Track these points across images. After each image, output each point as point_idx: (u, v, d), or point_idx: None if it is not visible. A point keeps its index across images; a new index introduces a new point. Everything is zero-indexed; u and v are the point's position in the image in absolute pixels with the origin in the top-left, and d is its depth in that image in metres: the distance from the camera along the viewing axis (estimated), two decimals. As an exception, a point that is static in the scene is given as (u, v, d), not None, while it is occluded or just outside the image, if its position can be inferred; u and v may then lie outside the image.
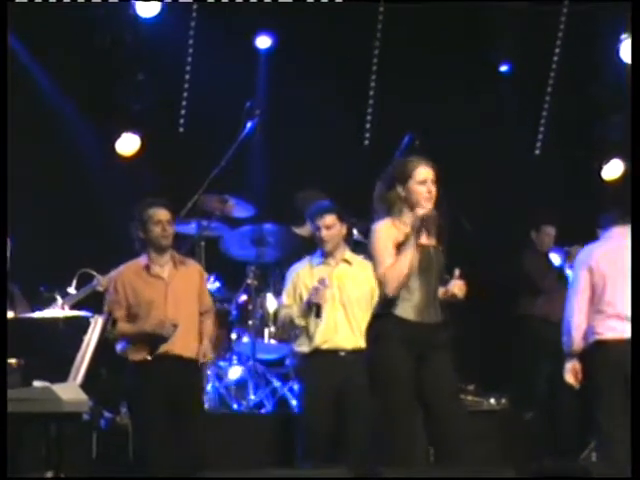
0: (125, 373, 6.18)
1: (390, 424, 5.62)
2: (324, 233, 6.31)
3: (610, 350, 6.57)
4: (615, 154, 8.95)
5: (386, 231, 5.54)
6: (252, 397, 7.25)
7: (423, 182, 5.47)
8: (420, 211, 5.47)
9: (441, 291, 5.59)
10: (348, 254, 6.37)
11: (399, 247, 5.46)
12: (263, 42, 8.64)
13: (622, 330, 6.62)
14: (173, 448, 5.97)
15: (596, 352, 6.62)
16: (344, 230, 6.33)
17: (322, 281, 6.24)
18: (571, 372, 6.58)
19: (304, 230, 7.62)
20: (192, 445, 6.03)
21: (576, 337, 6.59)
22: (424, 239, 5.60)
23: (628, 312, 6.61)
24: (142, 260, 6.20)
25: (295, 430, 6.46)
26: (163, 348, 6.04)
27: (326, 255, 6.39)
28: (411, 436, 5.61)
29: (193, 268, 6.31)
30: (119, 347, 6.18)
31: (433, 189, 5.51)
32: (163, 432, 5.98)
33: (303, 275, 6.43)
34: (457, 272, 5.62)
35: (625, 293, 6.63)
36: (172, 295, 6.14)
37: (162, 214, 6.18)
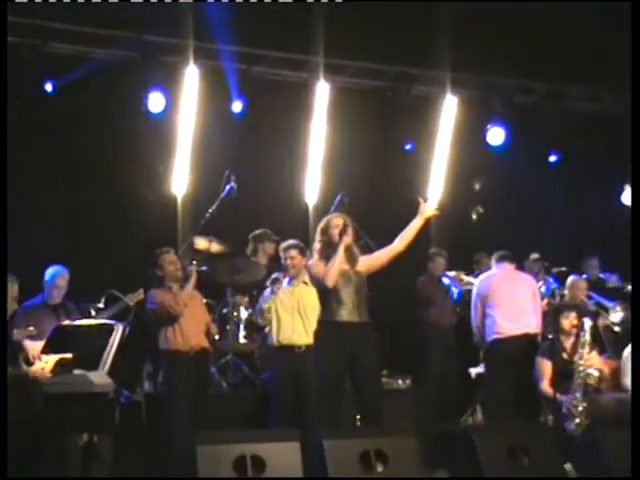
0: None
1: (325, 400, 5.79)
2: (289, 262, 6.41)
3: (504, 344, 6.89)
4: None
5: (317, 263, 5.79)
6: (230, 380, 7.14)
7: (336, 227, 5.78)
8: (345, 239, 5.74)
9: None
10: (307, 278, 6.39)
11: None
12: (237, 107, 8.31)
13: (512, 328, 6.90)
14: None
15: (494, 346, 6.93)
16: (305, 260, 6.37)
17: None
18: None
19: (259, 258, 7.68)
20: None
21: (479, 335, 7.05)
22: (345, 266, 5.83)
23: (516, 314, 6.91)
24: (164, 288, 6.28)
25: (267, 405, 6.41)
26: (193, 342, 6.17)
27: (292, 278, 6.46)
28: (337, 407, 5.79)
29: (196, 293, 6.47)
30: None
31: (347, 230, 5.79)
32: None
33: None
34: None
35: (513, 302, 6.94)
36: (189, 307, 6.27)
37: (174, 256, 6.34)
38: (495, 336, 6.91)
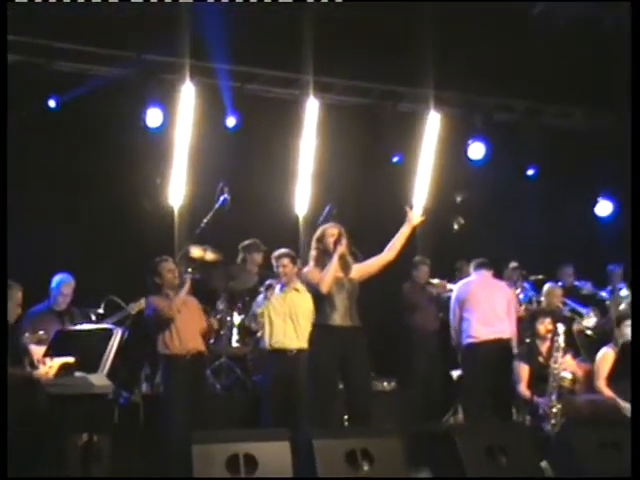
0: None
1: (317, 400, 5.80)
2: (281, 270, 6.44)
3: (479, 348, 6.86)
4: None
5: (313, 270, 5.80)
6: (223, 382, 7.18)
7: (332, 236, 5.80)
8: (339, 248, 5.76)
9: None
10: (299, 285, 6.42)
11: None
12: (231, 122, 8.32)
13: (486, 333, 6.91)
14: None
15: (469, 349, 6.92)
16: (296, 268, 6.41)
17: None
18: None
19: (250, 266, 7.68)
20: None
21: (456, 338, 7.02)
22: (339, 273, 5.84)
23: (491, 319, 6.87)
24: (162, 295, 6.29)
25: (258, 405, 6.44)
26: (190, 345, 6.18)
27: (284, 285, 6.48)
28: (329, 408, 5.78)
29: (192, 299, 6.47)
30: None
31: (342, 239, 5.81)
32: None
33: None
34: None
35: (489, 308, 6.91)
36: (186, 312, 6.27)
37: (172, 264, 6.34)
38: (470, 340, 6.93)
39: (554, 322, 6.98)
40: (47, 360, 5.31)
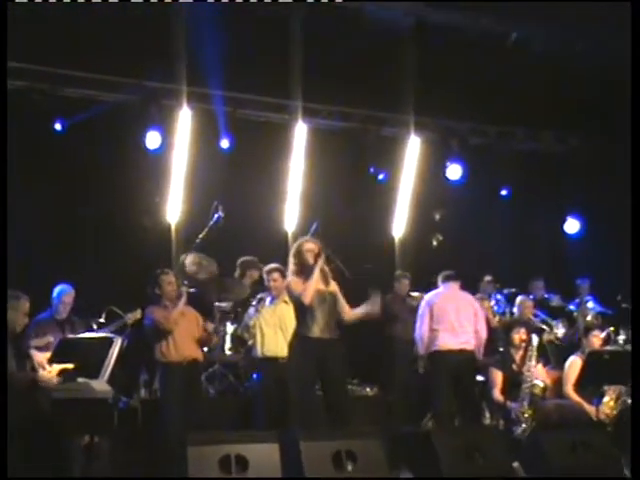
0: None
1: (301, 404, 5.85)
2: (272, 284, 6.43)
3: (443, 356, 6.84)
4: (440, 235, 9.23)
5: (295, 280, 5.86)
6: (217, 387, 7.19)
7: (309, 251, 5.84)
8: (319, 263, 5.83)
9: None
10: (287, 298, 6.40)
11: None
12: (224, 144, 8.37)
13: (452, 343, 6.93)
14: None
15: (434, 357, 6.89)
16: (285, 282, 6.39)
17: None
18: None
19: (246, 280, 7.63)
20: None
21: (421, 346, 6.92)
22: (320, 285, 5.91)
23: (457, 330, 6.90)
24: (161, 306, 6.31)
25: (252, 407, 6.42)
26: (186, 353, 6.19)
27: (274, 298, 6.49)
28: (313, 412, 5.84)
29: (190, 310, 6.47)
30: None
31: (319, 255, 5.88)
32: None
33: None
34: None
35: (456, 319, 6.89)
36: (183, 322, 6.28)
37: (172, 277, 6.35)
38: (435, 348, 6.89)
39: (528, 332, 7.03)
40: (46, 365, 5.33)
